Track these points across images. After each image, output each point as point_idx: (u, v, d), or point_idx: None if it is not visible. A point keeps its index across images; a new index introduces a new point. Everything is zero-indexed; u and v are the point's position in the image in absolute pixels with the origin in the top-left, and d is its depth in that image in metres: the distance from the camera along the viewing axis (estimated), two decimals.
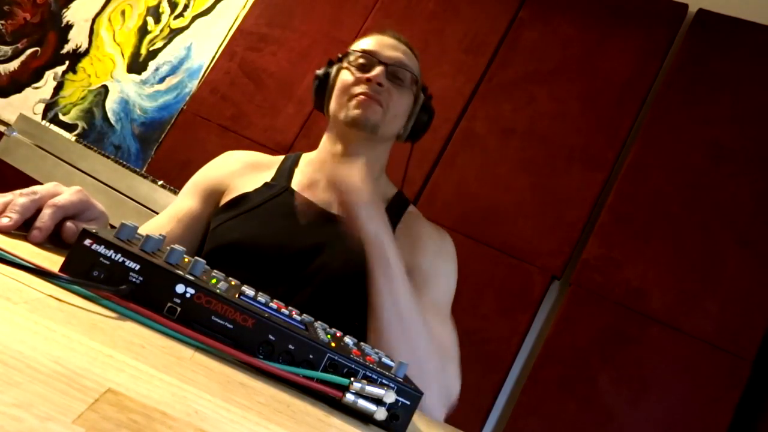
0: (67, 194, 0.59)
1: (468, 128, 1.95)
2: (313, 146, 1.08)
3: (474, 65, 2.00)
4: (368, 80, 0.92)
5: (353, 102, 0.93)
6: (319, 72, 1.00)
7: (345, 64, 0.97)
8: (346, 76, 0.96)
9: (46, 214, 0.56)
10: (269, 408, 0.39)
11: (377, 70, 0.93)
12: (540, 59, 1.97)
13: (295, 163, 1.04)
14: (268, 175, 1.00)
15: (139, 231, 0.91)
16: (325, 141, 1.03)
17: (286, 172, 1.01)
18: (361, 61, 0.96)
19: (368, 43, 0.97)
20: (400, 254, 0.86)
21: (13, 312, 0.34)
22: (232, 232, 0.90)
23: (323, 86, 1.00)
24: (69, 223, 0.58)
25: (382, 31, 1.00)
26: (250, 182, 0.99)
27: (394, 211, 0.99)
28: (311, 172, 1.01)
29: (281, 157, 1.07)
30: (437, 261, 0.95)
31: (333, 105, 0.98)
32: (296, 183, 0.99)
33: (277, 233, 0.90)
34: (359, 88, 0.94)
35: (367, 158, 0.95)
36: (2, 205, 0.55)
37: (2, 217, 0.53)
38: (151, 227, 0.94)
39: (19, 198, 0.55)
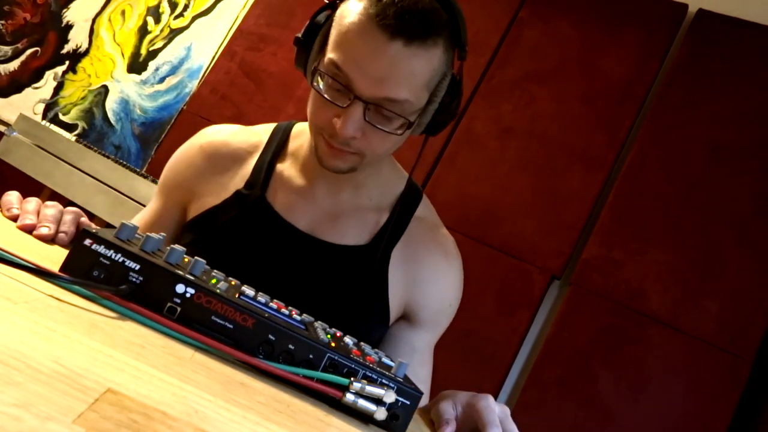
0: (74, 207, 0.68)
1: (468, 128, 1.95)
2: None
3: (474, 65, 2.00)
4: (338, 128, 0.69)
5: (322, 145, 0.73)
6: (299, 35, 0.73)
7: (320, 68, 0.70)
8: (314, 97, 0.73)
9: (68, 219, 0.65)
10: (269, 408, 0.39)
11: (350, 113, 0.67)
12: (540, 59, 1.97)
13: (279, 154, 0.85)
14: (243, 174, 0.84)
15: None
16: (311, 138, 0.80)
17: (264, 169, 0.83)
18: (332, 81, 0.69)
19: (351, 51, 0.67)
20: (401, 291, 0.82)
21: (13, 312, 0.34)
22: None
23: (305, 50, 0.74)
24: (84, 219, 0.68)
25: (385, 16, 0.64)
26: (218, 189, 0.84)
27: (401, 214, 0.85)
28: (294, 175, 0.84)
29: (266, 136, 0.88)
30: (441, 309, 0.86)
31: (308, 115, 0.76)
32: (274, 190, 0.83)
33: (245, 260, 0.79)
34: (326, 133, 0.72)
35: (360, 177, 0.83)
36: (34, 214, 0.63)
37: (41, 227, 0.61)
38: None
39: (47, 210, 0.64)
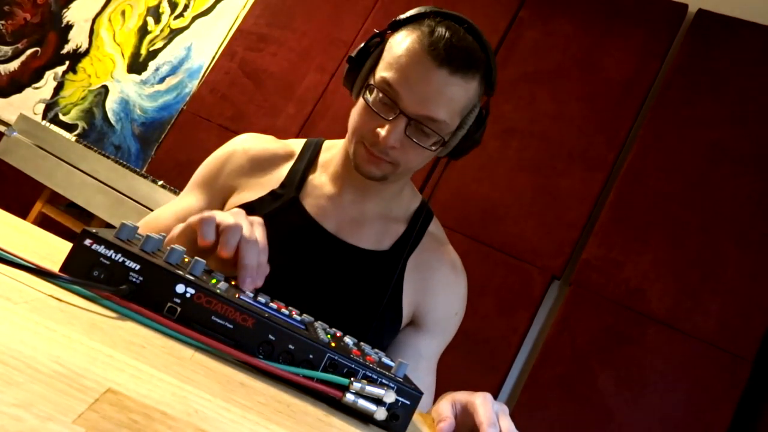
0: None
1: None
2: None
3: None
4: (381, 137, 0.77)
5: (361, 151, 0.81)
6: (352, 55, 0.83)
7: (370, 81, 0.80)
8: (361, 108, 0.81)
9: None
10: (269, 408, 0.39)
11: (394, 125, 0.76)
12: (540, 59, 1.97)
13: (311, 164, 0.93)
14: (278, 176, 0.91)
15: (140, 224, 0.89)
16: (346, 144, 0.88)
17: (298, 175, 0.90)
18: (382, 96, 0.78)
19: (403, 73, 0.76)
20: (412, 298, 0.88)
21: (13, 312, 0.34)
22: None
23: (356, 68, 0.83)
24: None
25: (436, 47, 0.75)
26: (256, 187, 0.90)
27: (416, 230, 0.92)
28: (325, 182, 0.91)
29: (299, 146, 0.96)
30: (448, 317, 0.91)
31: (349, 124, 0.84)
32: (306, 193, 0.89)
33: (276, 254, 0.80)
34: (368, 140, 0.79)
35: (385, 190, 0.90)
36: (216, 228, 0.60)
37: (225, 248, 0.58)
38: (153, 224, 0.90)
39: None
